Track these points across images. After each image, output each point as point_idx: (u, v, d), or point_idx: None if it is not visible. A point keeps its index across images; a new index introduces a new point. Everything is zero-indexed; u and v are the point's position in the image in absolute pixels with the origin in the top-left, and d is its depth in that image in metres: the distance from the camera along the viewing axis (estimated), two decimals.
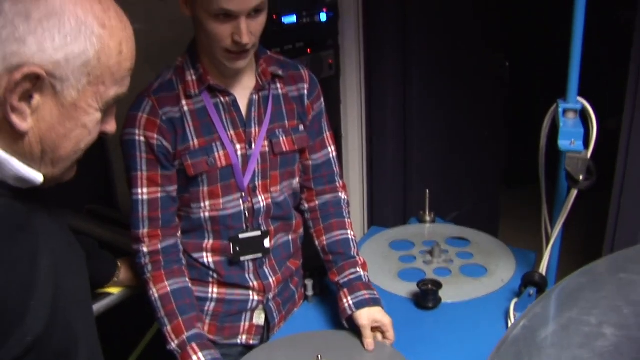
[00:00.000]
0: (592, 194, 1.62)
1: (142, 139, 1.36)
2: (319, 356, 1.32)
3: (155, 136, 1.36)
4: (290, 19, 2.09)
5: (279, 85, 1.48)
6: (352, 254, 1.55)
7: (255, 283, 1.50)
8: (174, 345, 1.38)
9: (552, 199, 1.70)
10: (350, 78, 2.40)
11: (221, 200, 1.44)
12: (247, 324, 1.53)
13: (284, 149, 1.47)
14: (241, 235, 1.47)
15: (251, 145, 1.43)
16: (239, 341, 1.53)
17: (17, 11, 0.73)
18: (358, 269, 1.53)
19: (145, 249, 1.42)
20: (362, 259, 1.56)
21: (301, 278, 1.66)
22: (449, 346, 1.44)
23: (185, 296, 1.43)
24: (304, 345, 1.41)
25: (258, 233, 1.48)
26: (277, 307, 1.56)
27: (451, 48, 2.79)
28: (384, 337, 1.44)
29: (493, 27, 3.08)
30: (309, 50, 2.18)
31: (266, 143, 1.45)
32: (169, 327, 1.40)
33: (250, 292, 1.51)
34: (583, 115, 1.58)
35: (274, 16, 2.01)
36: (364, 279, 1.52)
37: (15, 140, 0.78)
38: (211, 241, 1.48)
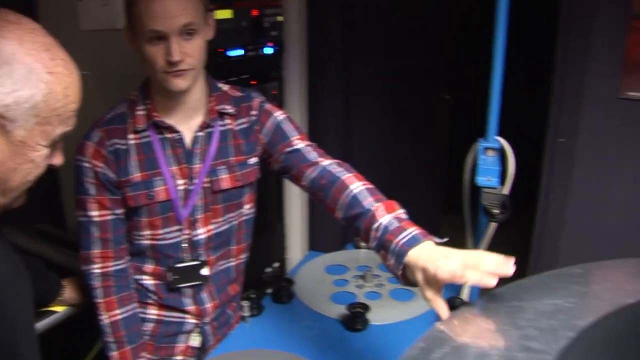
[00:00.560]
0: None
1: (90, 166, 1.44)
2: None
3: (101, 165, 1.44)
4: (237, 52, 2.19)
5: (227, 121, 1.53)
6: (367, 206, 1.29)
7: (193, 307, 1.58)
8: None
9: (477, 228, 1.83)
10: (293, 109, 2.51)
11: (160, 231, 1.50)
12: (182, 345, 1.60)
13: (224, 187, 1.52)
14: (178, 265, 1.53)
15: (193, 181, 1.49)
16: None
17: None
18: (381, 219, 1.23)
19: (97, 271, 1.48)
20: (385, 203, 1.29)
21: (239, 303, 1.70)
22: None
23: (133, 324, 1.52)
24: None
25: (196, 262, 1.54)
26: (212, 331, 1.63)
27: (393, 82, 2.92)
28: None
29: (436, 62, 3.22)
30: (253, 82, 2.28)
31: (207, 179, 1.50)
32: (115, 353, 1.49)
33: (187, 316, 1.58)
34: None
35: (220, 50, 2.10)
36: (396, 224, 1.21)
37: None
38: (151, 266, 1.55)
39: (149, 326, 1.58)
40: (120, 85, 1.67)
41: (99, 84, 1.94)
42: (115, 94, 1.56)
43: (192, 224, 1.52)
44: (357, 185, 1.34)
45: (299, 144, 1.50)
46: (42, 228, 2.19)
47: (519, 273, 1.11)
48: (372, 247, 1.24)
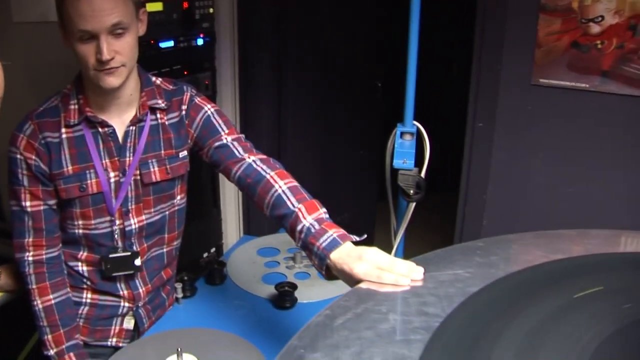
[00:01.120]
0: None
1: (22, 157, 1.47)
2: (179, 349, 1.39)
3: (33, 157, 1.47)
4: (168, 44, 2.24)
5: (159, 116, 1.56)
6: (291, 207, 1.35)
7: (126, 292, 1.63)
8: (52, 352, 1.53)
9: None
10: (225, 98, 2.57)
11: (93, 222, 1.55)
12: (117, 328, 1.66)
13: (154, 179, 1.57)
14: (111, 255, 1.58)
15: (125, 173, 1.54)
16: (109, 343, 1.66)
17: None
18: (304, 221, 1.30)
19: (30, 258, 1.53)
20: (306, 203, 1.34)
21: (173, 285, 1.75)
22: None
23: (66, 307, 1.57)
24: (168, 341, 1.48)
25: (128, 253, 1.58)
26: (146, 314, 1.69)
27: (325, 71, 3.01)
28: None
29: (369, 50, 3.31)
30: (186, 72, 2.33)
31: (137, 172, 1.55)
32: (49, 336, 1.54)
33: (121, 300, 1.64)
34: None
35: (152, 41, 2.14)
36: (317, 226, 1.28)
37: None
38: (85, 253, 1.60)
39: (84, 310, 1.63)
40: (53, 77, 1.69)
41: (31, 76, 1.96)
42: (48, 87, 1.59)
43: (124, 215, 1.56)
44: (280, 185, 1.40)
45: (226, 138, 1.55)
46: None
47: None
48: (298, 246, 1.33)
